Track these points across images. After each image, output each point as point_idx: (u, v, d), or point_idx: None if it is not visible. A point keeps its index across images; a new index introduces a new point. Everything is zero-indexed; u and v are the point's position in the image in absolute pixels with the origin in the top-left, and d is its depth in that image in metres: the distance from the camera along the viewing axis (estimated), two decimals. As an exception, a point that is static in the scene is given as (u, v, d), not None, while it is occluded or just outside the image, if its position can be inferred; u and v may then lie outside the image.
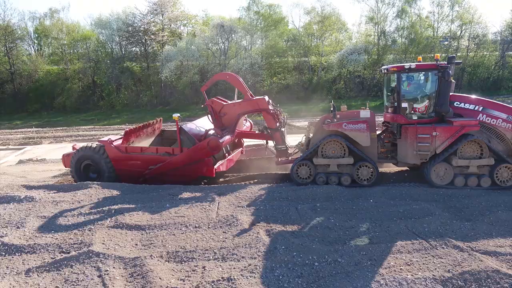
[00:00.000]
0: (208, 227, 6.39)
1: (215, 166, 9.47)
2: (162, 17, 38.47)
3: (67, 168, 12.37)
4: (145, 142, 10.81)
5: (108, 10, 73.33)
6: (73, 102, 36.70)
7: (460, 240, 6.04)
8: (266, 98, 9.98)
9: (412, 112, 9.00)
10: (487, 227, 6.57)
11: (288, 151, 10.23)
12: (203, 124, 10.64)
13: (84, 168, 10.12)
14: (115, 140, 10.15)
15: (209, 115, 10.17)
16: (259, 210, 7.21)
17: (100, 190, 8.41)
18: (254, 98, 10.08)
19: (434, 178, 8.73)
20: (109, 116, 34.66)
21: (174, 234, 6.13)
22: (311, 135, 9.84)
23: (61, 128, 26.00)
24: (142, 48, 37.49)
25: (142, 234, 6.21)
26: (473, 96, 9.15)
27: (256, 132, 10.87)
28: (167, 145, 11.14)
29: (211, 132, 9.74)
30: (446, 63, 8.65)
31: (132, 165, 9.71)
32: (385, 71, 9.53)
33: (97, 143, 10.16)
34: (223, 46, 37.79)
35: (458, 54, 37.65)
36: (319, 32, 39.42)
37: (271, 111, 9.87)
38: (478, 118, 8.64)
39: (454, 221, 6.75)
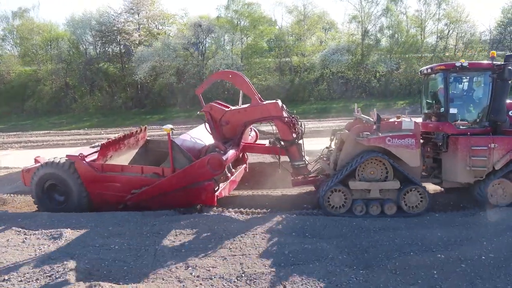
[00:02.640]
0: (8, 280, 4.95)
1: (217, 192, 7.58)
2: (138, 16, 37.12)
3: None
4: (126, 156, 9.04)
5: (81, 9, 71.42)
6: (45, 104, 35.38)
7: (340, 300, 4.60)
8: (280, 102, 8.19)
9: (461, 119, 7.58)
10: (386, 278, 5.12)
11: (308, 168, 8.35)
12: (200, 135, 8.63)
13: (49, 188, 8.20)
14: (89, 154, 8.28)
15: (207, 124, 8.26)
16: (105, 251, 5.76)
17: None
18: (265, 102, 8.23)
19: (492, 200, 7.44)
20: (80, 119, 33.28)
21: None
22: (333, 146, 8.29)
23: (14, 133, 24.62)
24: (117, 49, 36.13)
25: None
26: None
27: (267, 145, 8.83)
28: (152, 158, 9.43)
29: (211, 146, 7.88)
30: (503, 62, 7.29)
31: (110, 188, 7.82)
32: (428, 71, 8.04)
33: (65, 158, 8.18)
34: (201, 46, 36.42)
35: (446, 54, 36.25)
36: (300, 31, 37.96)
37: (286, 119, 8.05)
38: None
39: (346, 269, 5.29)
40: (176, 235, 6.25)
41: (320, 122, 25.29)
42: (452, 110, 7.52)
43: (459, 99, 7.70)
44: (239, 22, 37.80)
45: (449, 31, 35.85)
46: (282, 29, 39.67)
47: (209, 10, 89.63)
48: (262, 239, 6.12)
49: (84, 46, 36.59)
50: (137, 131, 9.49)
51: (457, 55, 35.49)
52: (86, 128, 26.14)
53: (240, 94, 8.92)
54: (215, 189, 7.59)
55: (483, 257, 5.54)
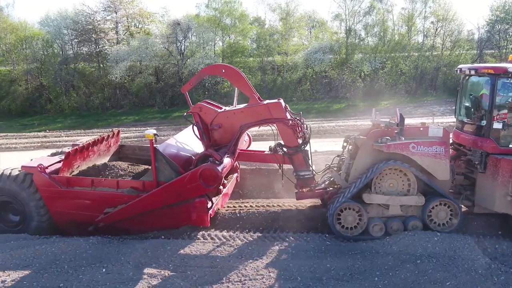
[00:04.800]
0: None
1: (210, 210, 6.42)
2: (116, 14, 36.13)
3: None
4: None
5: (56, 7, 69.81)
6: (19, 105, 34.39)
7: None
8: (282, 102, 7.14)
9: (507, 135, 6.34)
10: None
11: (315, 179, 7.26)
12: (188, 140, 7.39)
13: (0, 206, 6.95)
14: (50, 165, 6.95)
15: (195, 128, 7.02)
16: None
17: None
18: (265, 102, 7.12)
19: None
20: (54, 121, 32.28)
21: None
22: (345, 154, 7.22)
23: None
24: (92, 48, 35.18)
25: None
26: None
27: (266, 152, 7.67)
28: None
29: (203, 155, 6.61)
30: None
31: (78, 206, 6.56)
32: (471, 72, 6.74)
33: (20, 169, 6.86)
34: (180, 45, 35.39)
35: (434, 53, 35.12)
36: (284, 29, 36.89)
37: (290, 122, 6.98)
38: None
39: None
40: (64, 262, 5.19)
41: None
42: (497, 125, 6.29)
43: (506, 110, 6.47)
44: (220, 21, 36.76)
45: (436, 29, 34.72)
46: (265, 28, 38.66)
47: (192, 9, 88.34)
48: (118, 273, 5.02)
49: (59, 45, 35.60)
50: (108, 135, 8.28)
51: (444, 53, 34.40)
52: (47, 131, 25.10)
53: (235, 92, 7.79)
54: (208, 206, 6.40)
55: (368, 299, 4.45)
